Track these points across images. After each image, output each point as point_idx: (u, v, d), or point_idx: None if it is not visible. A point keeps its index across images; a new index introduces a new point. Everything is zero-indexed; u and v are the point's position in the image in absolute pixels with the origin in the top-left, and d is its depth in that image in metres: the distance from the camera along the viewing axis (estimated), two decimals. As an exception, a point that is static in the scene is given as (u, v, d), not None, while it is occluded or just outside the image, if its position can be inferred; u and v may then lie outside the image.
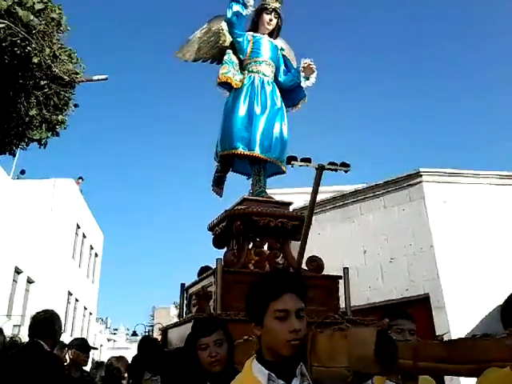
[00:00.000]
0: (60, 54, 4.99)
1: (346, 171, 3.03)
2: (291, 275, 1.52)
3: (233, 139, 4.42)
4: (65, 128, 5.64)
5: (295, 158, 2.95)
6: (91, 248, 28.63)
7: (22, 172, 23.63)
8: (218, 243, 4.48)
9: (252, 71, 4.68)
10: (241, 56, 4.75)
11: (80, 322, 26.91)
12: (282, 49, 4.98)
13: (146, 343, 4.07)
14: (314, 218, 12.20)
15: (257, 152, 4.38)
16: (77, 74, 5.31)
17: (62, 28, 4.86)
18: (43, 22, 4.65)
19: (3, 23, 4.31)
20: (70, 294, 24.56)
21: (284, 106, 4.74)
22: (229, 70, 4.62)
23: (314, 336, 1.48)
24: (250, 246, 4.18)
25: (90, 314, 29.17)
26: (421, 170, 10.00)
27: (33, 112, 5.24)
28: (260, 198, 4.35)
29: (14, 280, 19.66)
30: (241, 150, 4.39)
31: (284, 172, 4.76)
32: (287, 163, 3.09)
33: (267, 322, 1.43)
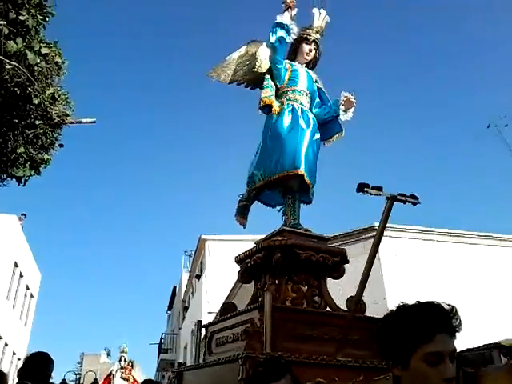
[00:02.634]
0: (59, 97, 5.14)
1: (414, 204, 2.93)
2: (444, 311, 1.30)
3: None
4: (45, 167, 5.70)
5: (367, 186, 2.84)
6: (27, 288, 27.17)
7: (24, 215, 23.15)
8: (246, 277, 4.22)
9: (290, 99, 4.57)
10: (277, 83, 4.65)
11: (7, 369, 25.10)
12: (316, 81, 4.88)
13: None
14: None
15: (302, 171, 4.18)
16: (67, 115, 5.44)
17: (61, 72, 5.03)
18: (48, 66, 4.82)
19: (11, 65, 4.44)
20: (-1, 337, 23.03)
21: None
22: (271, 94, 4.55)
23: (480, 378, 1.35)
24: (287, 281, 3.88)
25: (19, 359, 27.32)
26: (375, 224, 10.61)
27: (20, 150, 5.28)
28: (298, 231, 4.11)
29: None
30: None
31: (310, 202, 4.60)
32: (358, 190, 2.87)
33: (415, 365, 1.25)
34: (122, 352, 16.61)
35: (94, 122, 6.00)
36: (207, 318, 18.21)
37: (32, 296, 28.57)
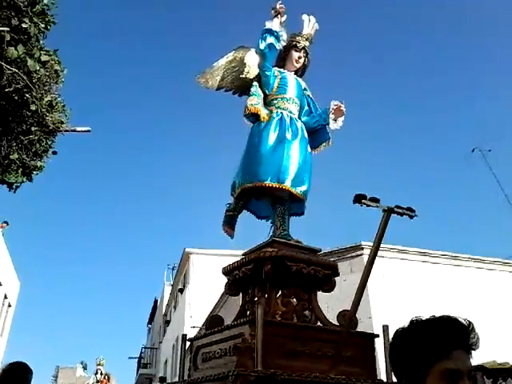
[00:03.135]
0: (56, 104, 5.15)
1: (411, 216, 2.87)
2: (462, 326, 1.20)
3: (260, 171, 4.12)
4: (37, 174, 5.67)
5: (365, 197, 2.79)
6: (5, 297, 26.63)
7: (6, 223, 22.85)
8: (233, 289, 4.08)
9: (279, 107, 4.48)
10: (266, 90, 4.56)
11: (-19, 379, 24.44)
12: (305, 89, 4.80)
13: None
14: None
15: (287, 185, 4.09)
16: (62, 123, 5.44)
17: (60, 79, 5.05)
18: (47, 73, 4.83)
19: (11, 70, 4.44)
20: (-26, 347, 22.48)
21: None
22: (258, 101, 4.45)
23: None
24: (277, 294, 3.77)
25: (-7, 370, 26.62)
26: (362, 243, 10.68)
27: (14, 156, 5.26)
28: (289, 242, 3.98)
29: None
30: (269, 182, 4.08)
31: (302, 213, 4.49)
32: (355, 201, 2.81)
33: (431, 383, 1.16)
34: (99, 365, 16.33)
35: (89, 130, 6.00)
36: (190, 333, 17.97)
37: (10, 305, 27.99)
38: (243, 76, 4.70)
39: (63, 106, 5.29)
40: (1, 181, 5.60)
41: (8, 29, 4.32)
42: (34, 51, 4.70)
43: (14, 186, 5.68)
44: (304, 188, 4.24)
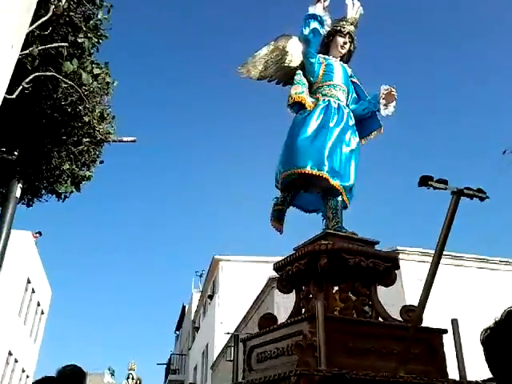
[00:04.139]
0: (107, 115, 5.33)
1: (482, 199, 2.70)
2: None
3: (300, 158, 3.95)
4: (85, 183, 5.90)
5: (431, 178, 2.60)
6: (38, 305, 27.20)
7: (39, 233, 23.55)
8: (285, 286, 3.87)
9: (326, 95, 4.29)
10: (311, 79, 4.39)
11: (16, 386, 24.98)
12: (351, 75, 4.62)
13: None
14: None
15: (327, 174, 3.88)
16: (109, 133, 5.61)
17: (110, 91, 5.22)
18: (99, 86, 5.01)
19: (67, 84, 4.62)
20: (10, 353, 22.97)
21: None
22: (302, 90, 4.25)
23: None
24: (334, 290, 3.59)
25: (27, 377, 27.17)
26: (398, 247, 10.62)
27: (65, 166, 5.44)
28: (344, 234, 3.76)
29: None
30: (308, 169, 3.87)
31: (345, 207, 4.18)
32: (421, 184, 2.63)
33: None
34: (130, 369, 16.50)
35: (135, 140, 6.19)
36: (221, 339, 18.12)
37: (42, 313, 28.57)
38: (286, 65, 4.55)
39: (113, 117, 5.47)
40: (51, 191, 5.79)
41: (67, 44, 4.51)
42: (87, 64, 4.89)
43: (62, 196, 5.87)
44: (345, 179, 3.99)
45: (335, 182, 3.91)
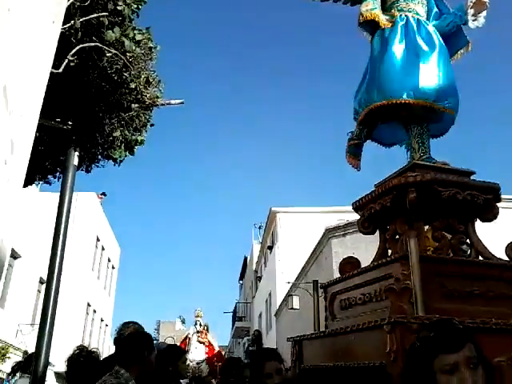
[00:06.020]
0: (153, 80, 5.41)
1: None
2: None
3: (393, 86, 3.46)
4: (138, 147, 6.09)
5: None
6: (109, 260, 28.91)
7: (104, 194, 24.88)
8: (368, 227, 3.42)
9: (402, 10, 3.77)
10: None
11: (97, 334, 27.06)
12: None
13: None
14: (348, 237, 12.41)
15: (430, 100, 3.41)
16: (157, 97, 5.71)
17: (153, 56, 5.28)
18: (142, 51, 5.06)
19: (110, 52, 4.71)
20: (88, 305, 24.78)
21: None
22: (374, 6, 3.77)
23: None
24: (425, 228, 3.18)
25: (106, 325, 29.32)
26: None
27: (117, 133, 5.62)
28: (434, 165, 3.31)
29: (38, 290, 19.93)
30: (405, 98, 3.40)
31: (441, 135, 3.79)
32: None
33: None
34: (197, 316, 17.26)
35: (183, 102, 6.24)
36: (282, 288, 18.62)
37: (113, 268, 30.37)
38: None
39: (159, 81, 5.54)
40: (107, 156, 6.02)
41: (107, 13, 4.54)
42: (129, 31, 4.92)
43: (118, 161, 6.10)
44: (451, 102, 3.53)
45: (443, 106, 3.48)
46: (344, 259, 3.43)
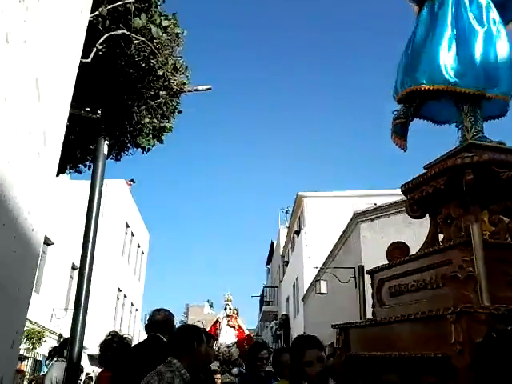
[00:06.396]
0: (180, 67, 5.37)
1: None
2: None
3: (440, 67, 3.23)
4: (166, 135, 6.09)
5: None
6: (138, 246, 29.38)
7: (133, 181, 25.35)
8: (417, 211, 3.26)
9: None
10: None
11: (127, 318, 27.64)
12: None
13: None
14: (376, 221, 12.24)
15: (480, 88, 3.18)
16: (184, 84, 5.67)
17: (180, 42, 5.23)
18: (169, 38, 5.02)
19: (138, 40, 4.68)
20: (119, 290, 25.28)
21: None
22: None
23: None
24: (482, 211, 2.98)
25: (136, 310, 29.92)
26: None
27: (145, 120, 5.62)
28: (490, 144, 3.12)
29: (70, 276, 20.41)
30: (452, 86, 3.19)
31: (501, 116, 3.55)
32: None
33: None
34: (227, 301, 17.46)
35: (210, 88, 6.20)
36: (309, 272, 18.60)
37: (143, 253, 30.86)
38: None
39: (186, 67, 5.49)
40: (136, 145, 6.04)
41: (133, 0, 4.51)
42: (155, 18, 4.88)
43: (146, 149, 6.11)
44: (504, 87, 3.27)
45: (493, 95, 3.25)
46: (391, 244, 3.26)
